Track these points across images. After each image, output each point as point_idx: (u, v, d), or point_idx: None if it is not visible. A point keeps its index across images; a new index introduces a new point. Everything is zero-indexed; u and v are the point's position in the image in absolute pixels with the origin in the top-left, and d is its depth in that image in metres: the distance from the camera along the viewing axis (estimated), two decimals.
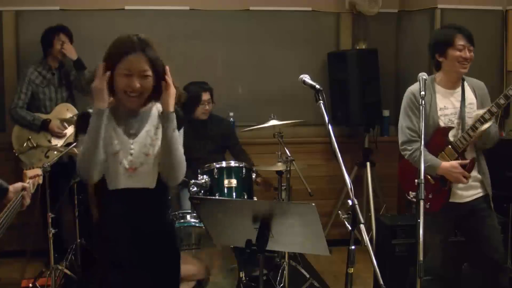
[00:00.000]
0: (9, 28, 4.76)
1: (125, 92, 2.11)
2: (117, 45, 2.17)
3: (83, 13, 4.78)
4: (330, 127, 2.01)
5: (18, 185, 2.52)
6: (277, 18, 5.12)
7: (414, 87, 3.17)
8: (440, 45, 3.11)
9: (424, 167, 2.79)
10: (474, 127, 3.00)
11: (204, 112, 4.30)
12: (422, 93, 2.79)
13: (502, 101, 2.93)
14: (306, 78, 2.23)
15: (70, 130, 4.36)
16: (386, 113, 5.34)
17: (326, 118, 2.04)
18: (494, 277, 3.15)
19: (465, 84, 3.16)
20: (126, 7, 4.87)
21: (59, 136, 4.36)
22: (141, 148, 2.21)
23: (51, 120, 4.32)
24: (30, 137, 4.30)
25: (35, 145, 4.29)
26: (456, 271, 3.44)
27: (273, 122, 4.05)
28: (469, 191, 3.12)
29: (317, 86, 2.13)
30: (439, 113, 3.10)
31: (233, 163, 3.90)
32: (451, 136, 3.09)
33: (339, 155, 1.96)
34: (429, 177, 3.11)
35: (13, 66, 4.78)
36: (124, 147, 2.19)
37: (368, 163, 5.01)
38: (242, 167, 3.88)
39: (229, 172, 3.84)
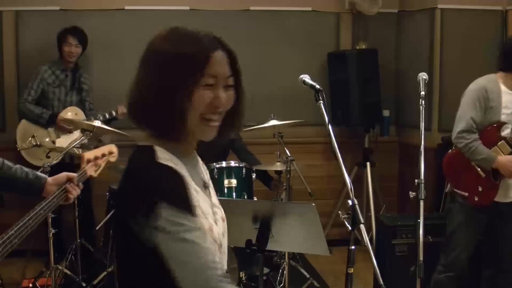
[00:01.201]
0: (9, 28, 4.76)
1: (203, 116, 1.31)
2: (192, 41, 1.29)
3: (83, 13, 4.78)
4: (330, 127, 2.01)
5: (62, 176, 2.14)
6: (277, 18, 5.13)
7: (486, 82, 3.21)
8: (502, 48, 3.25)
9: (479, 159, 3.12)
10: None
11: None
12: (422, 93, 2.79)
13: None
14: (306, 78, 2.23)
15: (76, 134, 4.32)
16: (386, 113, 5.34)
17: (326, 118, 2.04)
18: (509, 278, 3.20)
19: None
20: (126, 7, 4.87)
21: (65, 130, 4.34)
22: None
23: (59, 114, 4.32)
24: (35, 134, 4.30)
25: (38, 143, 4.29)
26: (477, 272, 3.46)
27: (273, 122, 4.05)
28: (509, 192, 3.18)
29: (317, 86, 2.13)
30: (503, 111, 3.15)
31: (233, 163, 3.90)
32: (504, 132, 3.14)
33: (339, 155, 1.96)
34: (479, 169, 3.15)
35: (13, 66, 4.78)
36: (212, 214, 1.40)
37: (368, 163, 5.01)
38: (242, 167, 3.88)
39: (229, 172, 3.84)
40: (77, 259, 4.00)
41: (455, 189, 3.29)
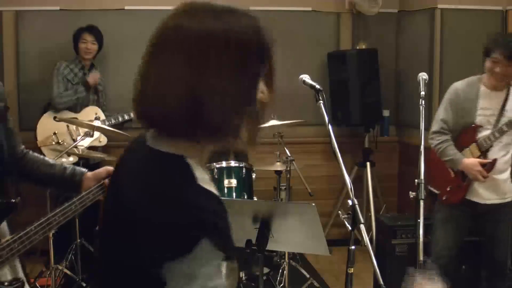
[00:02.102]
0: (9, 28, 4.76)
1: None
2: (262, 35, 1.17)
3: (83, 13, 4.78)
4: (330, 127, 2.01)
5: (102, 170, 2.01)
6: (277, 18, 5.12)
7: (460, 85, 3.26)
8: (485, 51, 3.15)
9: (447, 160, 3.16)
10: (501, 130, 3.06)
11: None
12: (422, 93, 2.79)
13: None
14: (306, 78, 2.23)
15: (95, 134, 4.31)
16: (386, 113, 5.34)
17: (326, 118, 2.04)
18: (499, 282, 3.18)
19: (511, 89, 3.17)
20: (126, 7, 4.87)
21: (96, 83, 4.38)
22: None
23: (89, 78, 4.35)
24: (56, 131, 4.28)
25: (60, 141, 4.27)
26: (456, 272, 3.45)
27: (273, 122, 4.05)
28: (493, 194, 3.17)
29: (317, 86, 2.13)
30: (479, 112, 3.15)
31: (233, 163, 3.90)
32: (481, 135, 3.14)
33: (339, 155, 1.96)
34: (450, 170, 3.17)
35: (13, 66, 4.78)
36: None
37: (368, 163, 5.01)
38: (242, 167, 3.88)
39: (229, 172, 3.84)
40: (77, 259, 4.00)
41: (429, 186, 3.32)
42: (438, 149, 3.23)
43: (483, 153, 3.14)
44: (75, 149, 3.92)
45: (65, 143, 4.20)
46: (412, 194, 3.00)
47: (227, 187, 3.79)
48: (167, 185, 1.05)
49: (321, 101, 2.09)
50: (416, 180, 2.61)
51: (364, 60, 4.97)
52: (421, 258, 2.44)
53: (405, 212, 4.98)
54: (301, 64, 5.02)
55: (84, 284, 3.88)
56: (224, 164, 3.86)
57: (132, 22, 4.79)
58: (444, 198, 3.27)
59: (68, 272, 3.93)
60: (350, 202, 1.89)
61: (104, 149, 4.46)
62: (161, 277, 1.02)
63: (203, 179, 1.08)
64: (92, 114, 4.36)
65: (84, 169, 2.03)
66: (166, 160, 1.09)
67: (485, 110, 3.16)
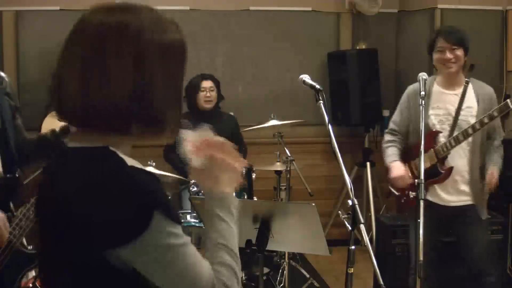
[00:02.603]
0: (9, 28, 4.76)
1: None
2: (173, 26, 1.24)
3: (83, 13, 4.78)
4: (330, 127, 2.01)
5: None
6: (277, 18, 5.12)
7: (414, 86, 3.22)
8: (428, 49, 3.15)
9: (385, 161, 3.18)
10: (457, 139, 2.97)
11: (206, 99, 4.27)
12: (422, 93, 2.79)
13: (495, 113, 2.86)
14: (306, 78, 2.23)
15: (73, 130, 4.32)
16: (386, 113, 5.33)
17: (326, 118, 2.04)
18: (475, 284, 3.13)
19: (469, 87, 3.08)
20: None
21: None
22: None
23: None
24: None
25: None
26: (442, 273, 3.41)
27: (273, 122, 4.05)
28: (453, 196, 3.09)
29: (317, 86, 2.13)
30: (430, 112, 3.09)
31: None
32: (441, 138, 3.07)
33: (339, 155, 1.96)
34: (412, 174, 3.14)
35: (13, 66, 4.77)
36: None
37: (368, 163, 5.01)
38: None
39: None
40: None
41: (390, 187, 3.33)
42: (382, 149, 3.28)
43: (440, 160, 3.04)
44: None
45: None
46: (412, 194, 3.01)
47: None
48: (102, 175, 1.06)
49: (321, 101, 2.09)
50: (416, 180, 2.61)
51: (364, 60, 4.97)
52: (421, 258, 2.44)
53: (405, 212, 4.98)
54: (301, 64, 5.02)
55: None
56: None
57: None
58: (402, 201, 3.24)
59: None
60: (350, 202, 1.89)
61: None
62: (127, 264, 1.05)
63: (133, 161, 1.11)
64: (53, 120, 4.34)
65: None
66: (91, 153, 1.11)
67: (436, 109, 3.08)
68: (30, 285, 3.92)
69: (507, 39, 4.78)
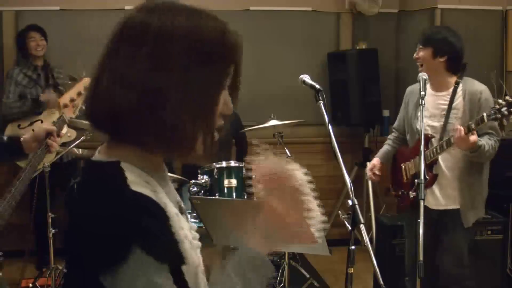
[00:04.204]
0: (9, 28, 4.76)
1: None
2: (230, 39, 1.07)
3: (83, 13, 4.78)
4: (330, 127, 2.01)
5: (40, 131, 2.19)
6: (277, 18, 5.12)
7: (411, 86, 3.23)
8: None
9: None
10: (441, 147, 2.89)
11: None
12: (422, 93, 2.79)
13: (472, 126, 2.71)
14: (306, 78, 2.22)
15: (63, 129, 4.30)
16: (386, 113, 5.34)
17: (326, 118, 2.04)
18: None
19: (459, 87, 2.98)
20: (126, 7, 4.86)
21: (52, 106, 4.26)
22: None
23: (42, 96, 4.24)
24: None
25: None
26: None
27: (273, 122, 4.04)
28: (440, 200, 3.05)
29: (317, 86, 2.13)
30: (419, 113, 2.94)
31: (233, 163, 3.90)
32: (434, 143, 3.00)
33: (339, 155, 1.96)
34: (404, 174, 3.13)
35: (13, 66, 4.77)
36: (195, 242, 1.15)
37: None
38: (242, 167, 3.87)
39: (229, 172, 3.83)
40: None
41: (390, 185, 3.33)
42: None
43: (428, 165, 2.95)
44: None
45: None
46: (412, 194, 3.01)
47: (227, 187, 3.79)
48: (97, 194, 0.99)
49: (321, 101, 2.09)
50: (416, 180, 2.61)
51: (364, 60, 4.97)
52: (421, 258, 2.43)
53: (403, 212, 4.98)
54: (301, 64, 5.02)
55: None
56: (224, 164, 3.85)
57: None
58: (397, 200, 3.24)
59: None
60: (350, 202, 1.89)
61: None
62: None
63: (137, 182, 1.00)
64: (55, 112, 4.33)
65: (17, 135, 2.22)
66: (98, 169, 1.04)
67: (425, 111, 2.93)
68: (30, 285, 3.93)
69: (507, 39, 4.78)
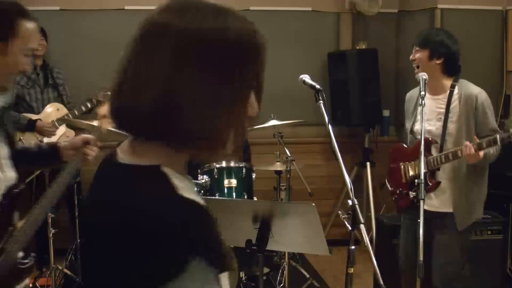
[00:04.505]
0: None
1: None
2: (258, 40, 1.08)
3: (83, 13, 4.78)
4: (330, 127, 2.01)
5: (77, 140, 2.16)
6: (277, 18, 5.12)
7: (411, 91, 3.24)
8: None
9: None
10: (447, 157, 2.87)
11: None
12: (422, 92, 2.78)
13: (484, 145, 2.72)
14: (306, 78, 2.23)
15: (62, 130, 4.33)
16: (386, 113, 5.34)
17: (326, 118, 2.04)
18: None
19: (455, 90, 2.97)
20: (126, 7, 4.87)
21: (50, 135, 4.28)
22: None
23: (38, 120, 4.23)
24: (21, 137, 4.25)
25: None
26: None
27: (273, 122, 4.05)
28: (435, 201, 3.02)
29: (317, 86, 2.13)
30: (418, 117, 2.99)
31: (233, 163, 3.90)
32: (433, 149, 3.00)
33: (339, 155, 1.96)
34: (403, 174, 3.12)
35: None
36: None
37: (368, 163, 5.01)
38: (242, 167, 3.87)
39: (229, 172, 3.84)
40: (77, 259, 4.00)
41: (386, 181, 3.30)
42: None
43: (430, 171, 2.96)
44: None
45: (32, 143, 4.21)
46: (412, 194, 3.01)
47: (227, 187, 3.79)
48: (145, 203, 0.94)
49: (321, 101, 2.09)
50: (416, 180, 2.61)
51: (364, 60, 4.97)
52: (421, 258, 2.43)
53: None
54: (301, 64, 5.02)
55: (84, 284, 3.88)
56: (224, 164, 3.86)
57: (132, 22, 4.78)
58: (393, 199, 3.22)
59: (68, 272, 3.93)
60: (350, 202, 1.89)
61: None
62: None
63: (184, 187, 0.98)
64: (54, 112, 4.34)
65: (58, 141, 2.23)
66: (139, 174, 0.99)
67: (422, 114, 2.91)
68: (30, 285, 3.92)
69: (507, 39, 4.78)
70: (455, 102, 2.95)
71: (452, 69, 2.99)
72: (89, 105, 4.31)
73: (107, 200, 1.01)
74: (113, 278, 0.98)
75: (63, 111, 4.38)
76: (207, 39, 0.96)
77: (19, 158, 2.10)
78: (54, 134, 4.31)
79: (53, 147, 2.18)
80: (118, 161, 1.03)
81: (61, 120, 4.29)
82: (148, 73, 0.96)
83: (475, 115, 2.89)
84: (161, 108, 0.94)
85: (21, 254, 2.02)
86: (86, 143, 2.17)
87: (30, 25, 1.89)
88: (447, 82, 3.00)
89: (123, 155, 1.04)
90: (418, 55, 2.99)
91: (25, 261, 2.02)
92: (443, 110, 2.98)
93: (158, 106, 0.94)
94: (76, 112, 4.26)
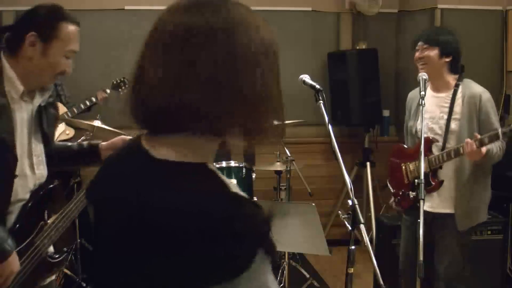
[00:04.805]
0: None
1: None
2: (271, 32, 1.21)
3: (83, 13, 4.77)
4: (330, 127, 2.01)
5: (117, 140, 2.16)
6: (277, 18, 5.12)
7: (413, 91, 3.21)
8: (412, 48, 3.10)
9: None
10: (449, 155, 2.85)
11: None
12: (422, 93, 2.79)
13: (486, 140, 2.70)
14: (306, 78, 2.23)
15: (61, 127, 4.33)
16: (386, 113, 5.34)
17: (326, 118, 2.04)
18: None
19: (459, 89, 2.96)
20: (126, 7, 4.87)
21: None
22: None
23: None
24: None
25: None
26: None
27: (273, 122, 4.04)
28: (436, 202, 3.00)
29: (317, 86, 2.13)
30: (418, 114, 2.97)
31: (233, 163, 3.90)
32: (434, 148, 2.99)
33: (339, 155, 1.96)
34: (405, 175, 3.11)
35: None
36: None
37: (368, 163, 5.01)
38: (242, 167, 3.88)
39: (229, 172, 3.84)
40: (77, 259, 4.00)
41: (388, 183, 3.29)
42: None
43: (432, 170, 2.94)
44: None
45: None
46: (412, 194, 3.01)
47: None
48: (207, 204, 0.93)
49: (321, 101, 2.09)
50: (416, 180, 2.61)
51: (364, 60, 4.97)
52: (421, 258, 2.44)
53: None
54: (301, 64, 5.02)
55: (84, 284, 3.88)
56: (224, 164, 3.86)
57: (132, 22, 4.79)
58: (396, 201, 3.19)
59: (68, 272, 3.93)
60: (350, 202, 1.89)
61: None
62: None
63: (232, 184, 0.98)
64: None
65: (98, 141, 2.23)
66: (188, 171, 0.98)
67: (425, 113, 2.93)
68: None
69: (507, 39, 4.78)
70: (458, 101, 2.94)
71: (457, 68, 3.00)
72: (88, 103, 4.33)
73: (147, 200, 0.97)
74: (159, 279, 0.95)
75: (62, 109, 4.39)
76: (244, 38, 1.03)
77: (59, 156, 2.15)
78: None
79: (94, 146, 2.21)
80: (154, 157, 1.01)
81: (60, 119, 4.30)
82: (171, 71, 0.97)
83: (478, 114, 2.89)
84: (187, 100, 0.96)
85: (51, 249, 2.10)
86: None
87: (71, 27, 1.94)
88: (452, 81, 3.00)
89: (156, 151, 1.01)
90: (427, 52, 2.97)
91: (56, 255, 2.11)
92: (446, 108, 2.97)
93: (183, 100, 0.96)
94: (75, 111, 4.27)
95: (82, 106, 4.27)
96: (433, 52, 2.95)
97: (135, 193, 0.99)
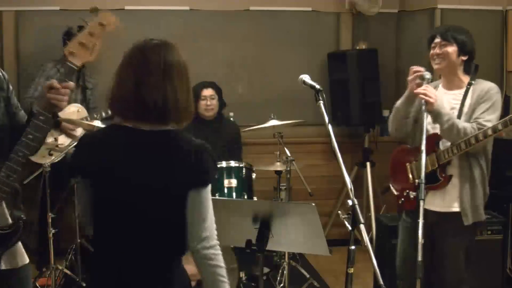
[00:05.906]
0: (9, 28, 4.76)
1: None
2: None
3: (83, 13, 4.75)
4: (330, 127, 2.01)
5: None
6: (277, 18, 5.13)
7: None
8: (428, 48, 3.10)
9: None
10: (459, 147, 2.80)
11: (206, 108, 4.23)
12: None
13: (500, 127, 2.69)
14: (306, 78, 2.23)
15: (79, 131, 4.30)
16: (386, 113, 5.33)
17: (326, 118, 2.04)
18: None
19: (471, 88, 2.94)
20: (126, 7, 4.87)
21: (71, 136, 4.25)
22: None
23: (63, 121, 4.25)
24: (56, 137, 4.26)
25: None
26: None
27: (273, 122, 4.05)
28: (441, 201, 2.94)
29: (317, 86, 2.13)
30: (425, 113, 2.86)
31: (233, 163, 3.90)
32: (442, 145, 2.93)
33: (339, 155, 1.96)
34: (410, 176, 3.08)
35: (13, 66, 4.78)
36: None
37: (368, 163, 5.01)
38: (242, 167, 3.87)
39: (229, 172, 3.84)
40: (77, 259, 4.00)
41: (390, 185, 3.24)
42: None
43: (441, 166, 2.89)
44: (56, 147, 3.92)
45: (46, 143, 4.19)
46: (412, 194, 3.00)
47: (227, 187, 3.79)
48: (190, 141, 1.81)
49: (321, 101, 2.09)
50: (416, 180, 2.61)
51: (364, 60, 4.98)
52: (420, 258, 2.43)
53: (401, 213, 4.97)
54: (301, 64, 5.03)
55: (84, 284, 3.88)
56: (224, 164, 3.86)
57: (132, 22, 4.79)
58: (400, 202, 3.13)
59: (68, 272, 3.93)
60: (350, 202, 1.89)
61: None
62: (184, 200, 1.74)
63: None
64: (75, 112, 4.33)
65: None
66: (171, 132, 1.81)
67: None
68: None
69: (507, 39, 4.79)
70: (468, 99, 2.93)
71: (470, 67, 3.01)
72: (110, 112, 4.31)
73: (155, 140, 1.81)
74: (158, 181, 1.74)
75: (83, 113, 4.36)
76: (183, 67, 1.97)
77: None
78: (75, 135, 4.26)
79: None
80: (143, 129, 1.81)
81: (75, 122, 4.26)
82: (154, 83, 1.88)
83: (481, 107, 2.86)
84: (166, 102, 1.82)
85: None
86: (50, 88, 2.06)
87: None
88: (465, 79, 2.99)
89: (142, 126, 1.82)
90: (445, 49, 2.95)
91: (5, 227, 2.03)
92: (457, 105, 2.94)
93: (165, 102, 1.81)
94: (95, 116, 4.27)
95: (104, 114, 4.27)
96: (452, 49, 2.95)
97: (134, 148, 1.82)
